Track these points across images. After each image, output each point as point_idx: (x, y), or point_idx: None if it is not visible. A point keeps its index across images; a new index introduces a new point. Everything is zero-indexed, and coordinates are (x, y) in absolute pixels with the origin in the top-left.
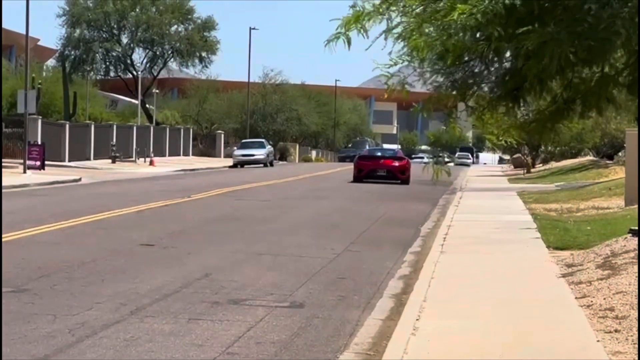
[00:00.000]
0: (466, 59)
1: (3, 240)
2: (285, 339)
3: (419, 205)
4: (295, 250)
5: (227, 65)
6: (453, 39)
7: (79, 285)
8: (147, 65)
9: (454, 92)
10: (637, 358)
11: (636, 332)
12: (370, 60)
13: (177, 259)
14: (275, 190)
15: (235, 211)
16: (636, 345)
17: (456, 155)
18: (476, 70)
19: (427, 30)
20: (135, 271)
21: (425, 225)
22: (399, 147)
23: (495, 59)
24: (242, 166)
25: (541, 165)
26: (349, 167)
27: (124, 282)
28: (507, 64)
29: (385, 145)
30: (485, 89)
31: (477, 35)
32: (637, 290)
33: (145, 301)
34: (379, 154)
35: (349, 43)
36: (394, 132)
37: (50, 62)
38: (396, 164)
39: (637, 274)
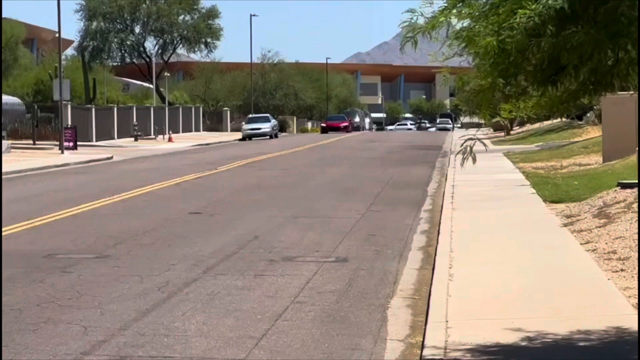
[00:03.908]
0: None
1: (71, 213)
2: (341, 289)
3: (419, 169)
4: (325, 212)
5: (228, 46)
6: (513, 40)
7: (151, 250)
8: (159, 52)
9: (500, 81)
10: None
11: None
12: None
13: (226, 224)
14: (288, 160)
15: (261, 180)
16: None
17: (437, 121)
18: (518, 60)
19: (481, 30)
20: (194, 236)
21: (431, 186)
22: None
23: (535, 49)
24: (250, 139)
25: (518, 127)
26: (345, 136)
27: (187, 246)
28: (544, 54)
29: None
30: (519, 77)
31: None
32: (635, 235)
33: (212, 261)
34: None
35: (415, 45)
36: (379, 102)
37: (69, 51)
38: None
39: (631, 221)
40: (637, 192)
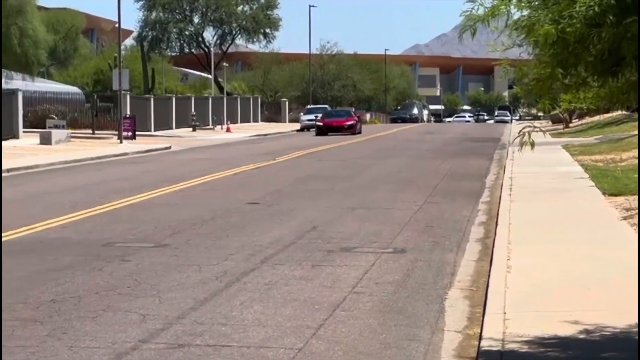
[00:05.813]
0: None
1: (130, 202)
2: (398, 280)
3: (477, 160)
4: (382, 203)
5: (287, 37)
6: (573, 29)
7: (209, 239)
8: (217, 42)
9: (559, 71)
10: None
11: None
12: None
13: (283, 214)
14: (346, 151)
15: (319, 171)
16: None
17: (495, 113)
18: (578, 50)
19: (541, 19)
20: (251, 226)
21: (489, 178)
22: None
23: (596, 40)
24: (308, 130)
25: (577, 120)
26: (403, 128)
27: (245, 236)
28: (605, 45)
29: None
30: (579, 68)
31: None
32: None
33: (270, 251)
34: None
35: (474, 34)
36: (438, 94)
37: (128, 41)
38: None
39: None
40: None
